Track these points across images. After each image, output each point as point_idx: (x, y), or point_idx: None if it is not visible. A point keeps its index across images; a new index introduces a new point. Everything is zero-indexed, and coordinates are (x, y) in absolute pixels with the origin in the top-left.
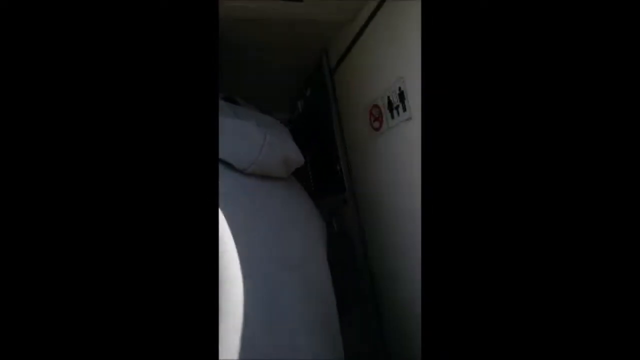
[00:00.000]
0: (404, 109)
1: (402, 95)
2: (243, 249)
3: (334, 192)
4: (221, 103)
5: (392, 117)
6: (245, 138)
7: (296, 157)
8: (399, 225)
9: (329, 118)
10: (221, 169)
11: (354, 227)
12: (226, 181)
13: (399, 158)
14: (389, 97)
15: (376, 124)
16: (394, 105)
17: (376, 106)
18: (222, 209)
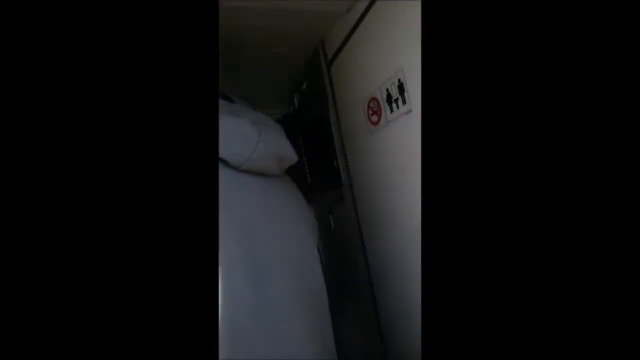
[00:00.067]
0: (404, 102)
1: (401, 87)
2: (236, 243)
3: (331, 188)
4: None
5: (391, 110)
6: (240, 135)
7: (289, 155)
8: (398, 221)
9: (326, 112)
10: None
11: (351, 224)
12: (221, 177)
13: (398, 152)
14: (387, 90)
15: (374, 118)
16: (393, 98)
17: (374, 99)
18: None
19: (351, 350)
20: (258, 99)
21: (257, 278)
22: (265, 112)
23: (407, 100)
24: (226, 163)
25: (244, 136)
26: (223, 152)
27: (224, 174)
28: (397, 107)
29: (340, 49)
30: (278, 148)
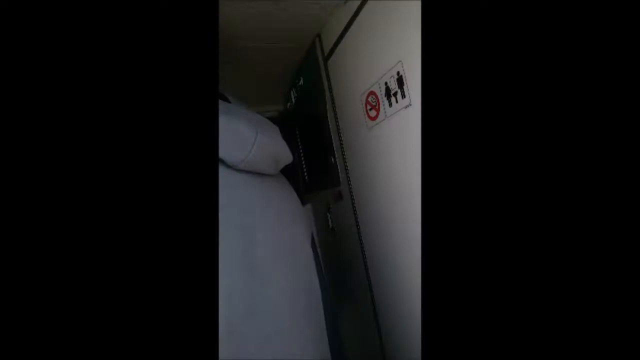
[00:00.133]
0: (403, 96)
1: (400, 80)
2: (232, 242)
3: (329, 186)
4: None
5: (390, 104)
6: (237, 135)
7: (285, 155)
8: (397, 220)
9: (323, 108)
10: None
11: (349, 222)
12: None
13: (397, 148)
14: (386, 83)
15: (372, 113)
16: (392, 92)
17: (372, 93)
18: None
19: (350, 350)
20: (254, 96)
21: (252, 277)
22: (261, 109)
23: (406, 93)
24: (222, 162)
25: (241, 136)
26: (219, 151)
27: (220, 173)
28: (396, 101)
29: (337, 42)
30: (274, 149)
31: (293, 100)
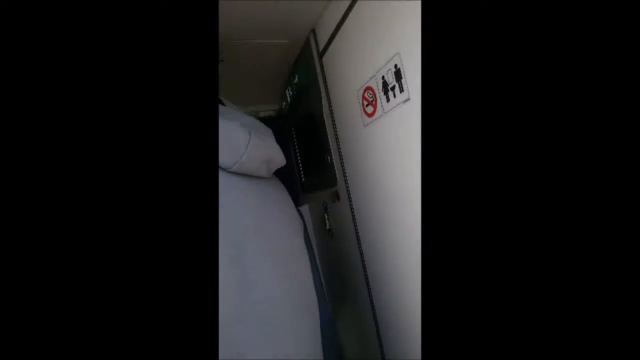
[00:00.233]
0: (401, 90)
1: (398, 74)
2: (225, 244)
3: (326, 186)
4: None
5: (388, 99)
6: (230, 138)
7: (278, 158)
8: (396, 220)
9: (319, 106)
10: None
11: (347, 223)
12: None
13: (395, 145)
14: (383, 77)
15: (369, 109)
16: (390, 86)
17: (369, 88)
18: None
19: (349, 350)
20: (249, 95)
21: (244, 279)
22: (257, 109)
23: (404, 87)
24: None
25: (235, 139)
26: None
27: None
28: (394, 96)
29: (332, 37)
30: (267, 152)
31: (288, 99)
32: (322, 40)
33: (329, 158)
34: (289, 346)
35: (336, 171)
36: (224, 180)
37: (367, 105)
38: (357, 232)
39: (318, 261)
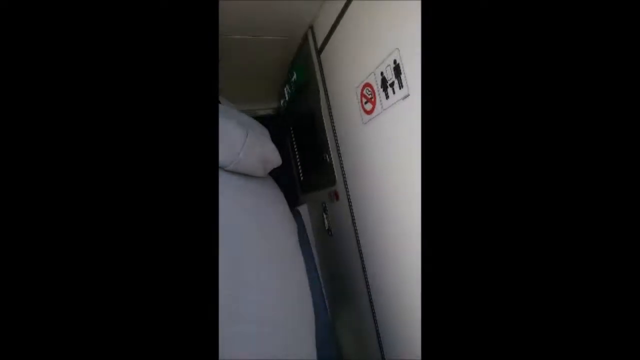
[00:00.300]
0: (400, 86)
1: (397, 69)
2: (220, 242)
3: (324, 186)
4: None
5: (387, 96)
6: (226, 137)
7: (274, 158)
8: (396, 220)
9: (317, 104)
10: None
11: (346, 223)
12: None
13: (395, 143)
14: (382, 73)
15: (368, 106)
16: (389, 82)
17: (368, 85)
18: None
19: (348, 350)
20: (247, 94)
21: (239, 278)
22: (255, 107)
23: (404, 83)
24: None
25: (231, 138)
26: None
27: None
28: (393, 92)
29: (330, 32)
30: (264, 151)
31: (287, 97)
32: (320, 37)
33: (327, 157)
34: (284, 346)
35: (335, 170)
36: (220, 178)
37: (365, 103)
38: (356, 232)
39: (317, 262)
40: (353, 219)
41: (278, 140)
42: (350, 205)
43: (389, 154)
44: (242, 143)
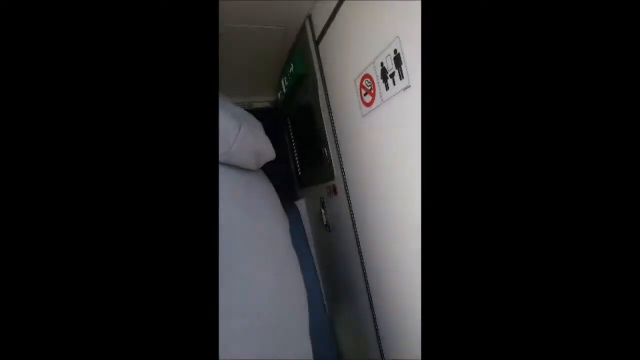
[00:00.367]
0: (401, 76)
1: (398, 59)
2: None
3: (322, 180)
4: None
5: (387, 87)
6: (219, 128)
7: (267, 151)
8: (396, 215)
9: (315, 96)
10: None
11: (345, 219)
12: None
13: (395, 136)
14: (382, 64)
15: (367, 98)
16: (389, 73)
17: (367, 76)
18: None
19: (347, 347)
20: (243, 86)
21: (229, 272)
22: (252, 99)
23: (404, 74)
24: None
25: (224, 129)
26: None
27: None
28: (394, 84)
29: (329, 23)
30: (256, 144)
31: (284, 89)
32: (319, 27)
33: (325, 151)
34: (277, 341)
35: (333, 165)
36: None
37: (365, 95)
38: (355, 228)
39: (315, 258)
40: (352, 215)
41: (275, 134)
42: (349, 201)
43: (389, 147)
44: (234, 135)
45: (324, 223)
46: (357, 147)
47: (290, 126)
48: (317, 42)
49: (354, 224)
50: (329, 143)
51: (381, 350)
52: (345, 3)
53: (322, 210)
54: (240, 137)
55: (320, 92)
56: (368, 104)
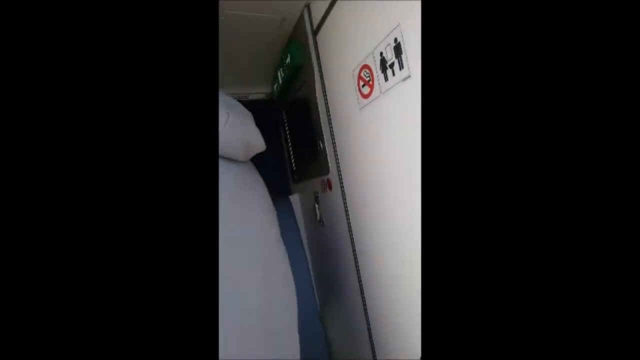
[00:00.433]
0: (401, 66)
1: (398, 49)
2: None
3: (317, 174)
4: None
5: (386, 78)
6: None
7: (257, 142)
8: (391, 210)
9: (311, 88)
10: None
11: (339, 214)
12: None
13: (393, 129)
14: (381, 54)
15: (366, 90)
16: (388, 63)
17: (366, 67)
18: None
19: (338, 343)
20: (238, 76)
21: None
22: (247, 91)
23: (404, 64)
24: None
25: None
26: None
27: None
28: (393, 74)
29: (327, 11)
30: (245, 134)
31: (280, 80)
32: (317, 16)
33: (321, 144)
34: (262, 335)
35: (329, 158)
36: None
37: (363, 86)
38: (349, 223)
39: (307, 253)
40: (346, 209)
41: (270, 127)
42: (343, 195)
43: (387, 140)
44: (223, 124)
45: (318, 218)
46: (354, 140)
47: (285, 119)
48: (314, 33)
49: (347, 219)
50: (324, 136)
51: (372, 345)
52: None
53: (316, 205)
54: (228, 127)
55: (317, 83)
56: (366, 96)
